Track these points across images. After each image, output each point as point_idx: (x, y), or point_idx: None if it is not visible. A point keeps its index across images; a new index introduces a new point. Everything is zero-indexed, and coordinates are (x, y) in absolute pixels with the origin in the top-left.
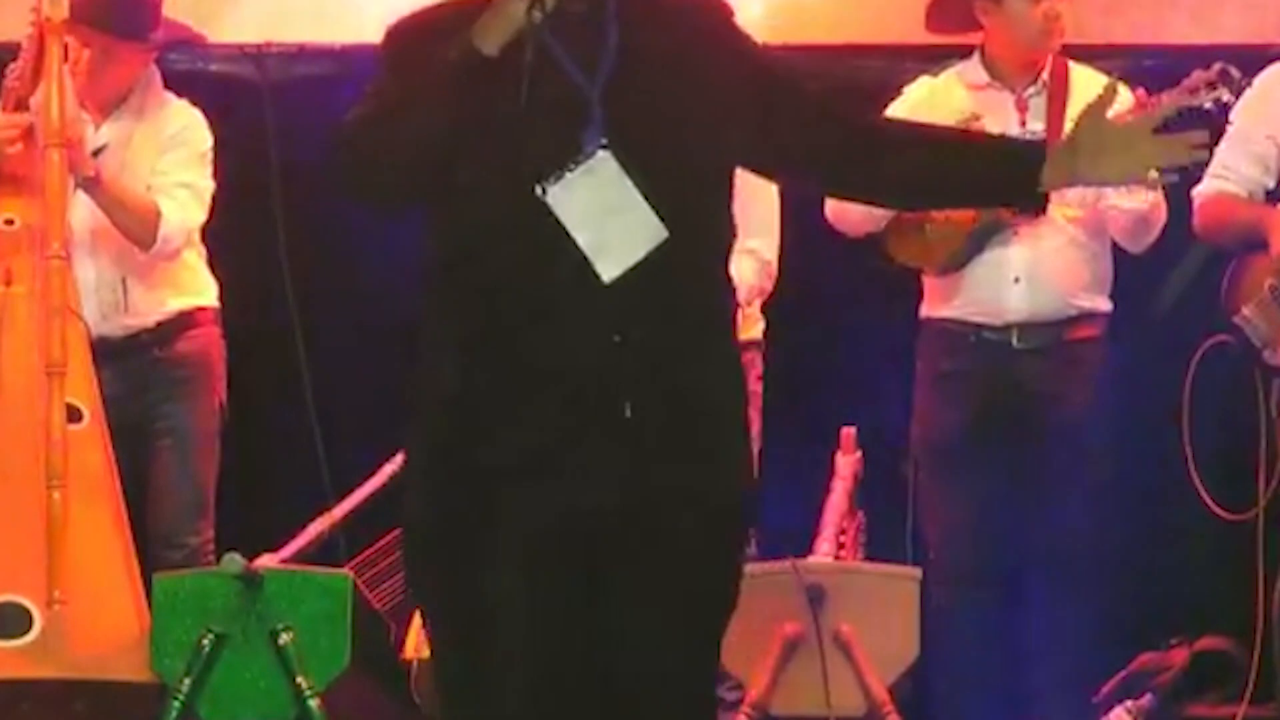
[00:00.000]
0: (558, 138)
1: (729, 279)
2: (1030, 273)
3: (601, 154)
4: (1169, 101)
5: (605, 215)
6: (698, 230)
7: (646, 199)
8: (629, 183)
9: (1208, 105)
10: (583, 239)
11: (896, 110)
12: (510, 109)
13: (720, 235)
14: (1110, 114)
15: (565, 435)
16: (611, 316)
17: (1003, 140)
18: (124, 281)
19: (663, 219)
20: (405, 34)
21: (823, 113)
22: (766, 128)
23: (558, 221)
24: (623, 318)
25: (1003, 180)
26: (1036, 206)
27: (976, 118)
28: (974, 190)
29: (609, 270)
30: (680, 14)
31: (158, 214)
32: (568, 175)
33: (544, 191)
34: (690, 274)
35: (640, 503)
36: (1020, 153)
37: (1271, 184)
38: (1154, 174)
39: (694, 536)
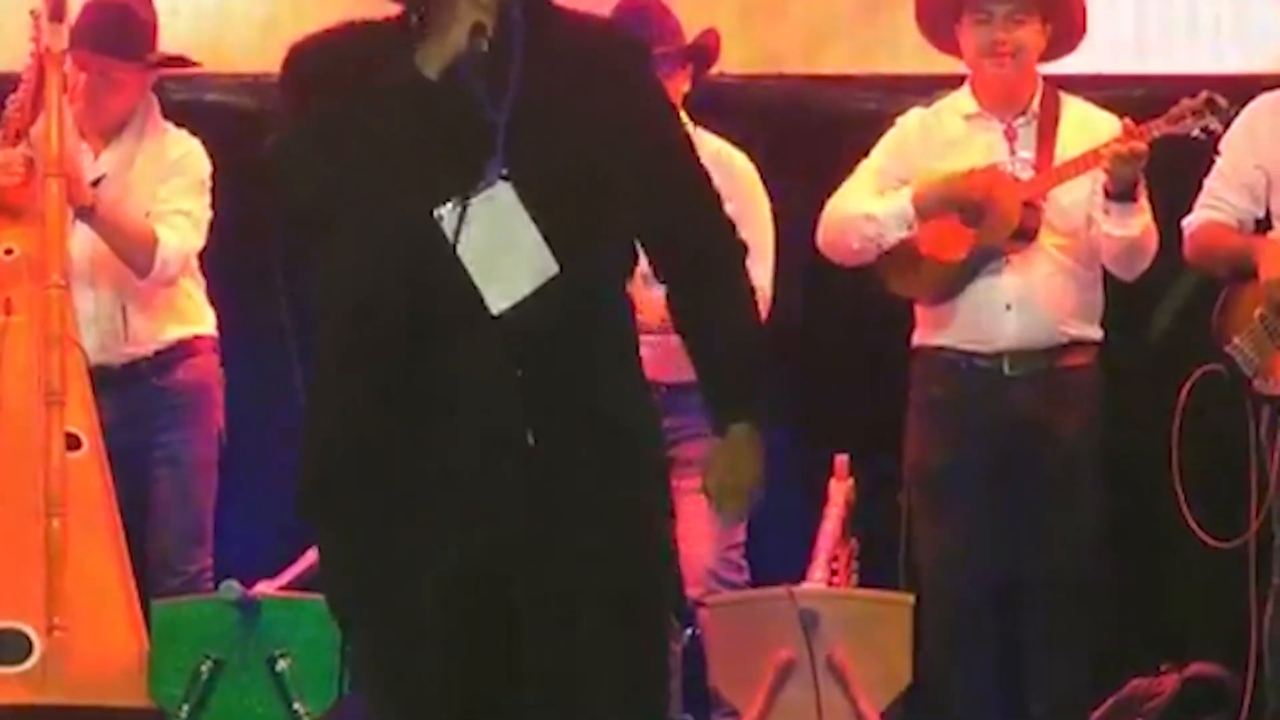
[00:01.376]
0: (460, 166)
1: (628, 300)
2: (1021, 300)
3: (501, 185)
4: (1156, 130)
5: (498, 246)
6: (597, 261)
7: (545, 231)
8: (524, 215)
9: (1195, 133)
10: (474, 269)
11: (890, 140)
12: (421, 134)
13: (622, 263)
14: (1102, 141)
15: (473, 467)
16: (510, 347)
17: (716, 378)
18: (124, 310)
19: (562, 250)
20: (312, 55)
21: (672, 201)
22: (636, 181)
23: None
24: (522, 348)
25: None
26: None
27: None
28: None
29: (497, 302)
30: (594, 48)
31: (155, 241)
32: (465, 204)
33: (441, 219)
34: (588, 303)
35: (553, 530)
36: (713, 399)
37: (1261, 213)
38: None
39: (610, 559)
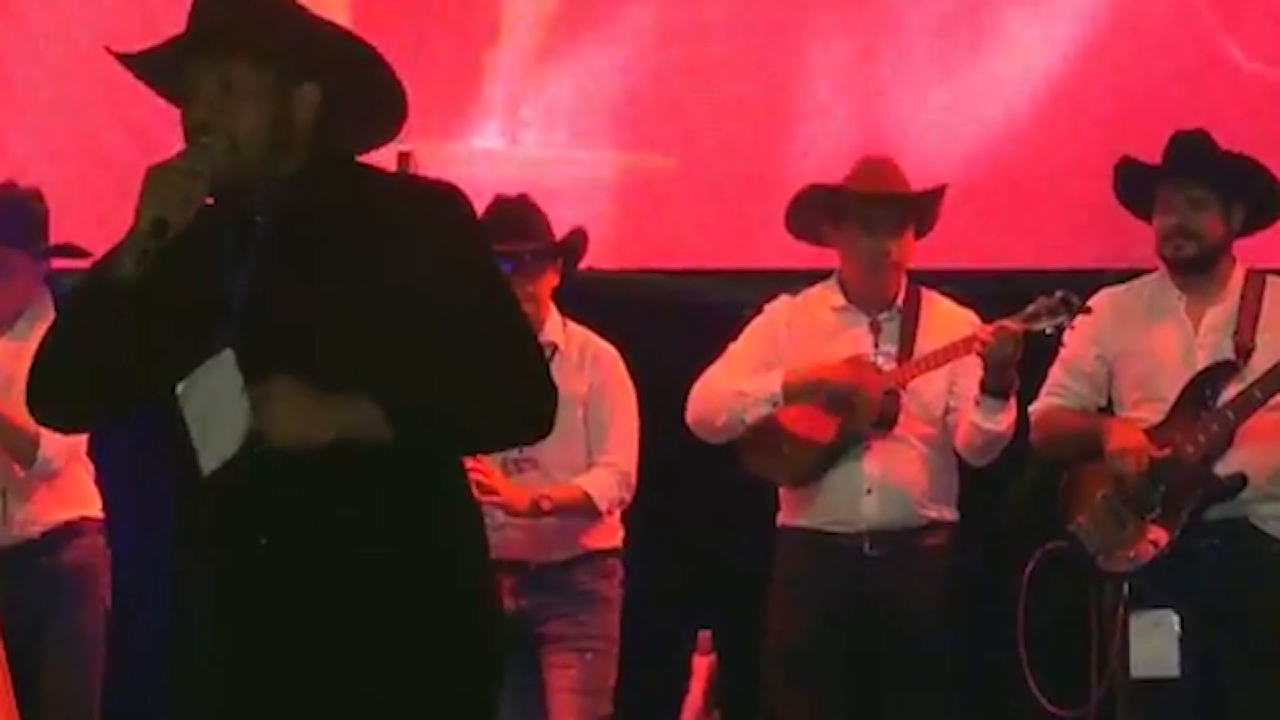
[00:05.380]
0: (199, 339)
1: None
2: (882, 484)
3: (225, 353)
4: (1014, 326)
5: (213, 411)
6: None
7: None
8: (239, 380)
9: (1049, 331)
10: (194, 432)
11: (759, 326)
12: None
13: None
14: (960, 335)
15: (222, 643)
16: (255, 517)
17: None
18: (3, 496)
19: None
20: None
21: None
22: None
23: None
24: (265, 518)
25: None
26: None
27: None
28: None
29: (207, 464)
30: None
31: (39, 436)
32: (195, 373)
33: (176, 389)
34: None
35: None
36: None
37: (1103, 402)
38: None
39: None
